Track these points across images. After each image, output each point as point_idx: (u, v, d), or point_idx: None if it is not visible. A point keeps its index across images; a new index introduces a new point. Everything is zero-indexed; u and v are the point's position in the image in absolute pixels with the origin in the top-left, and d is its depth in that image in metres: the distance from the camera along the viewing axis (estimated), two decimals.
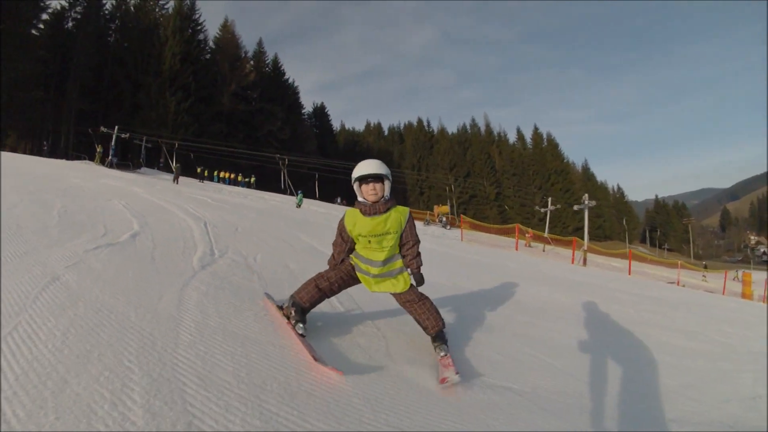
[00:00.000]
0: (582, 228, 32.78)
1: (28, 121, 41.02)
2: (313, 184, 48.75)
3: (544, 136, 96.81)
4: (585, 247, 26.92)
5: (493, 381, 2.53)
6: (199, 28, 57.63)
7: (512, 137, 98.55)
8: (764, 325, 6.72)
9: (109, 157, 29.93)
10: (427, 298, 2.70)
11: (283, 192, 41.50)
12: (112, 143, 32.86)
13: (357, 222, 2.58)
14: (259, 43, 68.67)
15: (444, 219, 38.06)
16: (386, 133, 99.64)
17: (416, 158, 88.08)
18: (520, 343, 3.46)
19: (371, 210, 2.54)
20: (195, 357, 1.84)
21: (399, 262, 2.64)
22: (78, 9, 49.12)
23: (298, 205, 22.96)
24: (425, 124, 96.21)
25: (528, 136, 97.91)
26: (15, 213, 4.48)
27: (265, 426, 1.42)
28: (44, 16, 45.45)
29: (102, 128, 33.83)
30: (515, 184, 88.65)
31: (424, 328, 2.66)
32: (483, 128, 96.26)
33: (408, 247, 2.65)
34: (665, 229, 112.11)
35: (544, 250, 29.97)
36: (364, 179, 2.55)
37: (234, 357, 1.93)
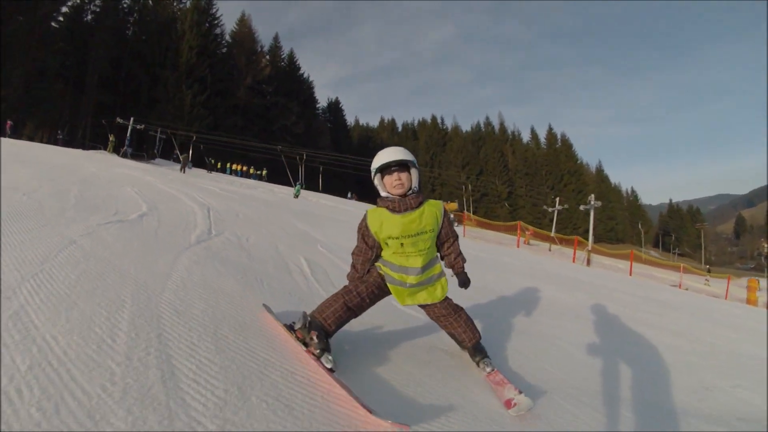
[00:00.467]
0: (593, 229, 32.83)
1: (45, 113, 42.28)
2: (324, 177, 49.32)
3: (558, 136, 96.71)
4: (589, 248, 27.14)
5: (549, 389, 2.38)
6: (216, 22, 58.76)
7: (526, 136, 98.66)
8: (752, 328, 6.95)
9: (124, 147, 30.87)
10: (462, 309, 2.39)
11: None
12: (128, 134, 33.88)
13: (384, 222, 2.20)
14: (275, 38, 69.96)
15: (452, 216, 38.47)
16: (400, 129, 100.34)
17: (429, 155, 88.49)
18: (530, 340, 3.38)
19: (401, 206, 2.18)
20: (175, 298, 2.36)
21: (438, 267, 2.34)
22: (97, 2, 50.52)
23: (296, 196, 23.66)
24: (439, 121, 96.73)
25: (542, 135, 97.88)
26: (37, 196, 5.04)
27: (216, 344, 1.92)
28: (64, 9, 46.90)
29: (118, 119, 34.88)
30: (527, 184, 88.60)
31: (460, 342, 2.38)
32: (497, 127, 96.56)
33: (449, 244, 2.39)
34: (678, 234, 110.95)
35: (550, 250, 30.22)
36: (386, 169, 2.20)
37: (207, 301, 2.44)
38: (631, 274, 20.52)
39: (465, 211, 36.26)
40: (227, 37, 61.95)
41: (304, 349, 2.04)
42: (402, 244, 2.18)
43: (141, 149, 35.41)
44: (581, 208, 33.05)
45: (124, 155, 29.20)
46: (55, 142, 33.20)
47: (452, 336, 2.38)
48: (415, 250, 2.19)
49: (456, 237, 2.40)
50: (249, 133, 53.48)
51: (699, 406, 2.69)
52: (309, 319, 2.11)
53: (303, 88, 70.28)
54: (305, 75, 72.19)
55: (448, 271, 2.40)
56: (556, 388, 2.42)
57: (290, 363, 1.91)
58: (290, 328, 2.20)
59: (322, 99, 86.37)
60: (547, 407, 2.14)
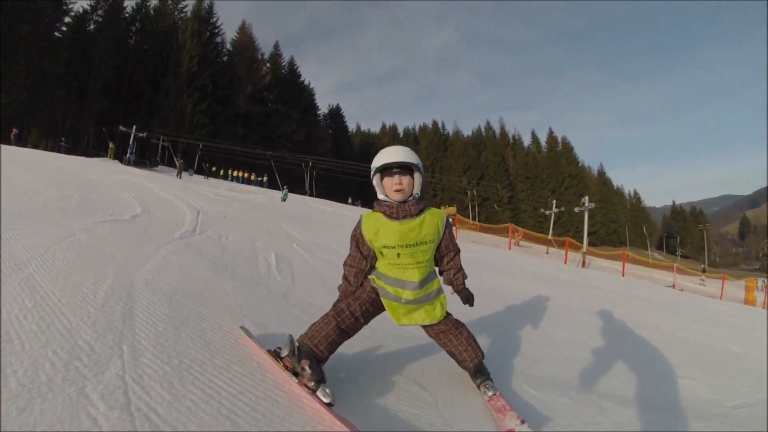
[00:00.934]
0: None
1: (48, 118, 43.39)
2: (327, 183, 50.12)
3: (559, 139, 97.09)
4: (584, 249, 27.70)
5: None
6: (216, 31, 60.09)
7: (527, 140, 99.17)
8: (732, 324, 7.31)
9: (127, 155, 31.75)
10: (463, 325, 2.20)
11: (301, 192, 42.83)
12: (131, 142, 34.83)
13: (380, 229, 2.03)
14: (276, 46, 71.38)
15: (450, 220, 38.89)
16: (401, 135, 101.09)
17: (430, 160, 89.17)
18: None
19: (400, 212, 2.01)
20: (148, 275, 3.01)
21: (436, 282, 2.15)
22: (100, 12, 51.95)
23: (283, 199, 24.32)
24: (440, 126, 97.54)
25: (543, 139, 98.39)
26: (42, 199, 5.69)
27: (169, 304, 2.55)
28: (67, 19, 48.48)
29: (121, 127, 35.92)
30: (528, 188, 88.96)
31: (461, 362, 2.17)
32: (498, 131, 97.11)
33: (449, 258, 2.21)
34: (682, 236, 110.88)
35: (547, 253, 30.69)
36: (387, 169, 2.03)
37: (174, 279, 3.09)
38: (623, 275, 20.97)
39: (457, 214, 36.66)
40: (228, 46, 63.46)
41: (296, 381, 1.82)
42: (398, 254, 2.01)
43: (144, 157, 36.32)
44: (575, 210, 33.60)
45: (127, 162, 30.05)
46: (59, 150, 34.11)
47: (452, 355, 2.18)
48: (412, 261, 2.02)
49: (457, 251, 2.23)
50: (250, 141, 54.57)
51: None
52: (297, 344, 1.88)
53: (303, 96, 71.49)
54: (306, 82, 73.62)
55: (447, 288, 2.23)
56: (547, 386, 2.54)
57: (219, 316, 2.56)
58: (276, 354, 1.99)
59: (323, 106, 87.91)
60: (543, 404, 2.27)
